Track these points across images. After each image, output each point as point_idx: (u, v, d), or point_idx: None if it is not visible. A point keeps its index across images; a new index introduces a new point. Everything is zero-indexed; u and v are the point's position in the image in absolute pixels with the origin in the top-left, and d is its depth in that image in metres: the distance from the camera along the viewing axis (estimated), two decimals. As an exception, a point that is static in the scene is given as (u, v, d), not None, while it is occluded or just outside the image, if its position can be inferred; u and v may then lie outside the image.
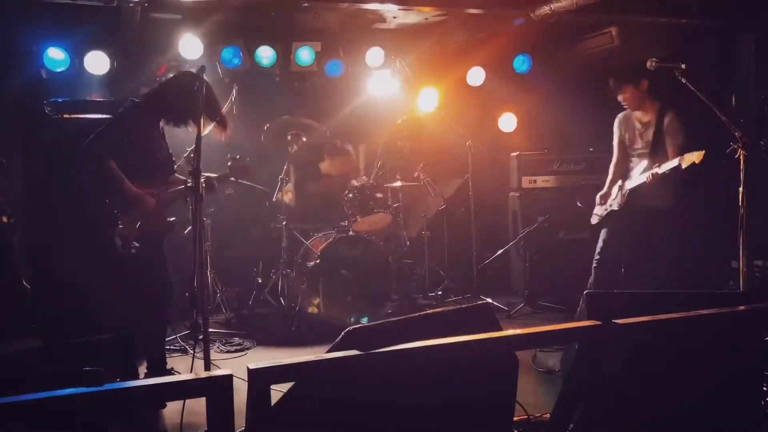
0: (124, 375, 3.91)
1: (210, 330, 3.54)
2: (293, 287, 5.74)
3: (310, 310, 5.35)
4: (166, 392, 1.91)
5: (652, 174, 4.73)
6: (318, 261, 5.49)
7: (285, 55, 6.45)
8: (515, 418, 3.08)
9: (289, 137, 5.81)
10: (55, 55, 5.70)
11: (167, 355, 4.48)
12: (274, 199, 5.99)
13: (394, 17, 6.26)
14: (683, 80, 4.18)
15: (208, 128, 4.15)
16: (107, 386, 1.67)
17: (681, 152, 4.64)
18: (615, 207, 5.11)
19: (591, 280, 5.22)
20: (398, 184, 6.12)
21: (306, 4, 5.59)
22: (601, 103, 7.08)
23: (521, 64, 7.08)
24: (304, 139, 5.86)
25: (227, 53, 6.23)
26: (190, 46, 5.85)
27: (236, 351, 5.05)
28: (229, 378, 1.80)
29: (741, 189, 3.96)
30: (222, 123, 4.10)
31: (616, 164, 5.26)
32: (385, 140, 6.27)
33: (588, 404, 2.41)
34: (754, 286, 5.11)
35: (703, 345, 2.48)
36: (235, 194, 5.99)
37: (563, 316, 5.86)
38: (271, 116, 6.16)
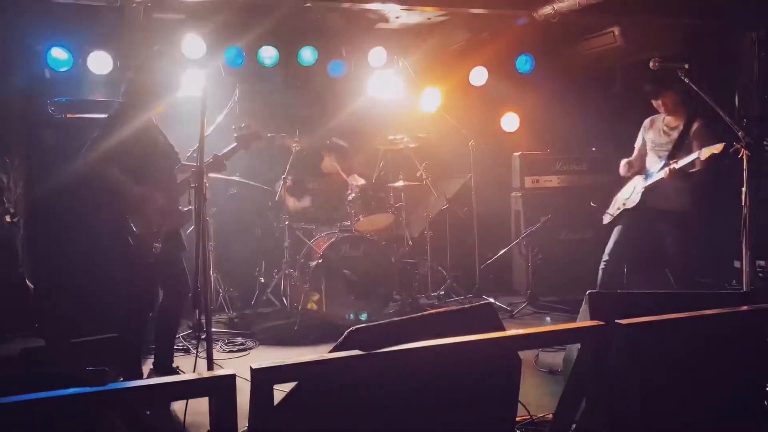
0: (127, 374, 3.91)
1: (212, 330, 3.54)
2: (296, 287, 5.74)
3: (309, 306, 5.34)
4: (169, 392, 1.91)
5: (670, 169, 4.70)
6: (320, 261, 5.49)
7: (288, 55, 6.45)
8: (518, 418, 3.08)
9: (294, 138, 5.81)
10: (59, 55, 5.71)
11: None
12: (276, 199, 5.98)
13: (397, 17, 6.26)
14: (686, 80, 4.17)
15: (211, 127, 4.14)
16: (111, 386, 1.68)
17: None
18: (630, 206, 5.08)
19: (598, 281, 5.19)
20: (401, 183, 6.11)
21: (309, 4, 5.59)
22: (603, 102, 7.12)
23: (524, 64, 7.08)
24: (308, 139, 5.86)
25: (230, 53, 6.24)
26: (193, 46, 5.87)
27: (239, 351, 5.05)
28: (232, 378, 1.81)
29: (744, 189, 3.95)
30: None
31: (631, 162, 5.21)
32: (387, 140, 6.26)
33: (590, 404, 2.41)
34: (757, 286, 5.10)
35: (705, 345, 2.48)
36: (237, 194, 6.00)
37: (565, 316, 5.85)
38: (274, 116, 6.16)
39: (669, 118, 5.00)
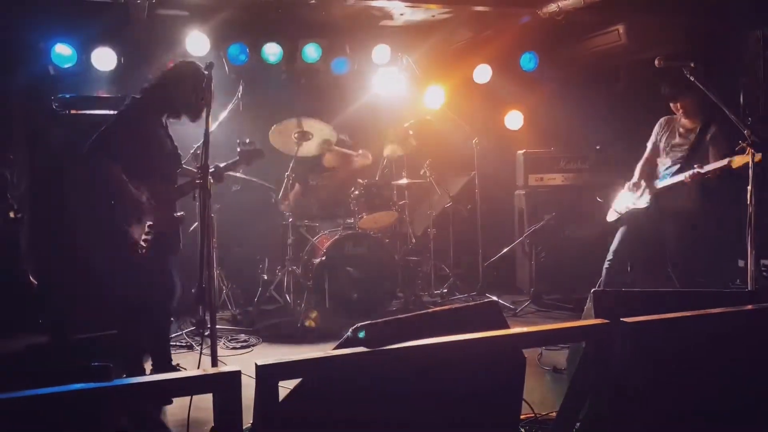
0: (130, 371, 3.91)
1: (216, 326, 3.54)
2: (299, 284, 5.74)
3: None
4: (174, 388, 1.91)
5: (694, 173, 4.65)
6: (324, 258, 5.50)
7: (291, 52, 6.45)
8: (522, 417, 3.07)
9: (295, 136, 5.80)
10: (63, 51, 5.71)
11: (173, 351, 4.48)
12: (280, 197, 5.98)
13: (401, 14, 6.25)
14: (692, 78, 4.16)
15: (215, 124, 4.13)
16: (116, 381, 1.68)
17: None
18: (640, 205, 5.05)
19: (602, 280, 5.18)
20: (404, 181, 6.11)
21: (313, 1, 5.59)
22: (607, 101, 7.11)
23: (528, 61, 7.06)
24: (311, 137, 5.84)
25: (234, 50, 6.24)
26: (197, 43, 5.86)
27: (242, 348, 5.05)
28: (237, 374, 1.80)
29: (749, 188, 3.94)
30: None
31: (645, 163, 5.19)
32: (391, 137, 6.26)
33: (594, 403, 2.41)
34: (762, 285, 5.09)
35: (710, 344, 2.48)
36: (241, 191, 6.00)
37: (569, 314, 5.85)
38: (278, 113, 6.15)
39: (685, 121, 4.97)
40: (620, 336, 2.28)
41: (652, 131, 5.17)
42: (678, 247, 4.98)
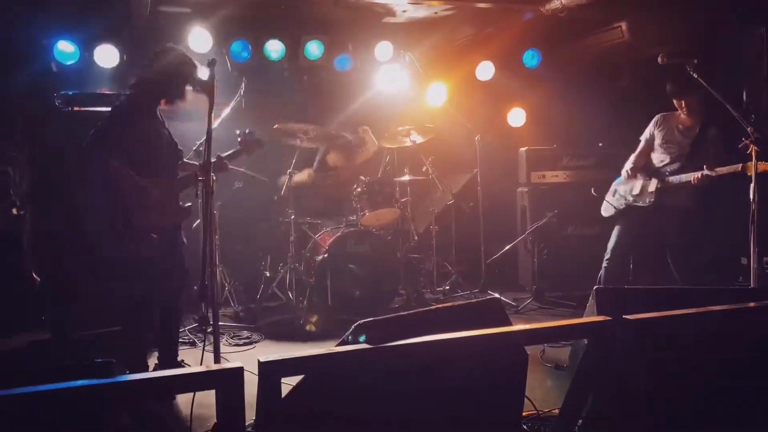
0: (133, 367, 3.92)
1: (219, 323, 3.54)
2: (301, 281, 5.74)
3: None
4: (177, 384, 1.92)
5: (704, 175, 4.63)
6: (326, 255, 5.50)
7: (294, 49, 6.44)
8: (524, 413, 3.08)
9: (297, 134, 5.80)
10: (66, 48, 5.72)
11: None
12: (282, 193, 5.98)
13: (404, 11, 6.25)
14: (695, 75, 4.15)
15: (217, 121, 4.13)
16: (119, 378, 1.68)
17: (719, 163, 4.56)
18: (641, 203, 5.04)
19: (601, 276, 5.18)
20: (406, 178, 6.11)
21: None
22: (610, 98, 7.10)
23: (530, 58, 7.05)
24: (312, 135, 5.84)
25: (236, 47, 6.24)
26: (199, 40, 5.86)
27: (244, 344, 5.06)
28: (239, 370, 1.81)
29: (752, 185, 3.94)
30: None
31: (639, 156, 5.18)
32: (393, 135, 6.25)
33: (597, 400, 2.41)
34: (764, 282, 5.08)
35: (712, 341, 2.48)
36: (243, 188, 6.00)
37: (571, 311, 5.84)
38: (280, 110, 6.16)
39: (685, 119, 4.97)
40: (622, 333, 2.28)
41: None
42: (680, 244, 4.97)
